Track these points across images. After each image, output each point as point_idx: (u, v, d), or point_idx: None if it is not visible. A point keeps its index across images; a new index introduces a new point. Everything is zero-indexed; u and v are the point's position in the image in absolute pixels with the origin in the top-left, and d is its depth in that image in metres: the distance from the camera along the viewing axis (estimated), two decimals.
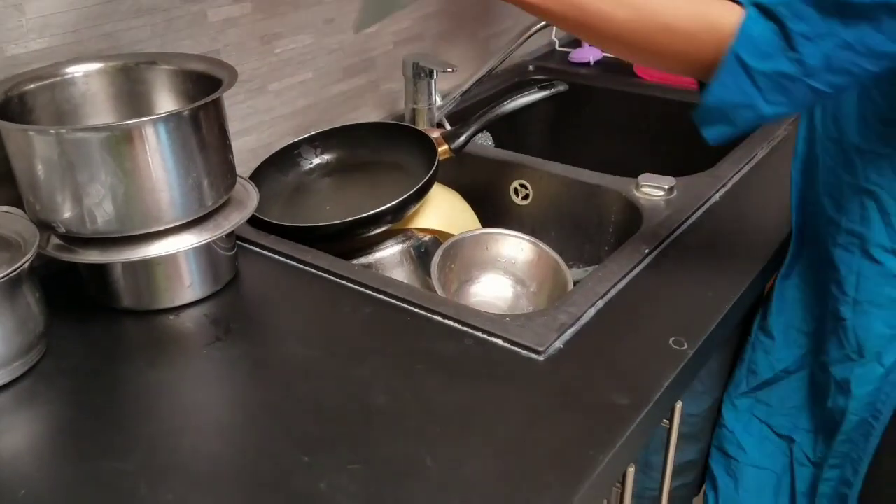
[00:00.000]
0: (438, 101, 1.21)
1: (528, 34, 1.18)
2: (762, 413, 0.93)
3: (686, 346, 0.72)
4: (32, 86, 0.79)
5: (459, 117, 1.28)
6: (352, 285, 0.82)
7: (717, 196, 1.00)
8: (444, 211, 1.05)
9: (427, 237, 1.00)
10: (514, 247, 0.99)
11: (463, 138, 1.04)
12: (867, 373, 0.79)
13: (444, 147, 1.03)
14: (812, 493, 0.88)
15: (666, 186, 0.98)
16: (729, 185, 1.02)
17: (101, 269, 0.78)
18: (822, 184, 0.83)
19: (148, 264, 0.78)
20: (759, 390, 0.93)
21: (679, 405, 0.77)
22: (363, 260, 0.95)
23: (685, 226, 0.93)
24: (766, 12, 0.63)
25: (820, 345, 0.86)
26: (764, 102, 0.66)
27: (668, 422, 0.78)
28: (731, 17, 0.65)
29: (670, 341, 0.73)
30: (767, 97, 0.66)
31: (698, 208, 0.96)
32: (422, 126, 1.20)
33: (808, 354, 0.89)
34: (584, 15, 0.70)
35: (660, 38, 0.69)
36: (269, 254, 0.88)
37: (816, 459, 0.88)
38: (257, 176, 1.00)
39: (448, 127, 1.22)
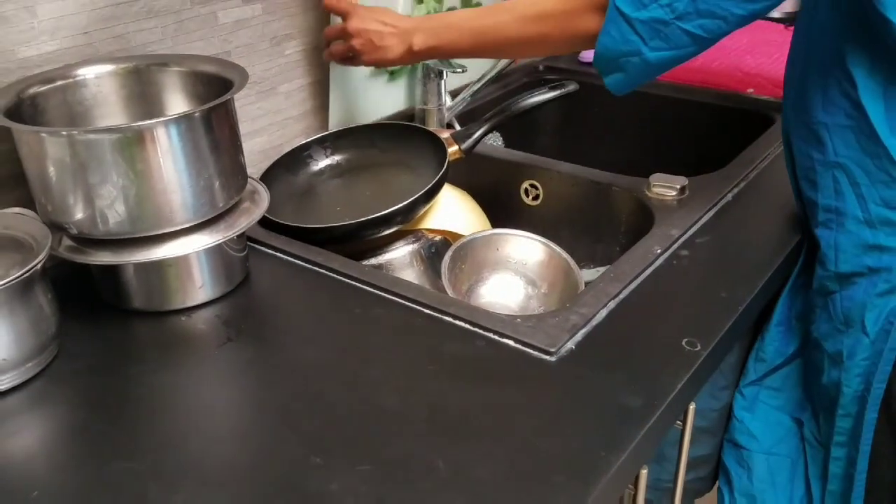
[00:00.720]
0: (448, 101, 1.21)
1: None
2: (769, 398, 0.93)
3: (699, 347, 0.71)
4: (44, 88, 0.79)
5: (469, 118, 1.27)
6: (362, 286, 0.82)
7: (730, 196, 0.99)
8: (454, 212, 1.05)
9: (437, 238, 0.99)
10: (525, 247, 0.98)
11: (473, 139, 1.03)
12: (855, 343, 0.80)
13: (455, 147, 1.03)
14: (824, 474, 0.88)
15: (678, 186, 0.98)
16: (741, 185, 1.01)
17: (113, 270, 0.79)
18: (799, 168, 0.86)
19: (159, 265, 0.78)
20: (766, 377, 0.93)
21: (692, 406, 0.76)
22: (373, 261, 0.95)
23: (697, 226, 0.92)
24: None
25: (812, 323, 0.87)
26: (647, 49, 0.76)
27: (681, 423, 0.78)
28: None
29: (683, 342, 0.72)
30: (649, 44, 0.75)
31: (710, 208, 0.95)
32: (432, 127, 1.20)
33: (806, 336, 0.90)
34: (476, 37, 0.89)
35: (543, 28, 0.84)
36: (280, 255, 0.88)
37: (824, 440, 0.88)
38: (268, 177, 1.00)
39: (458, 128, 1.22)
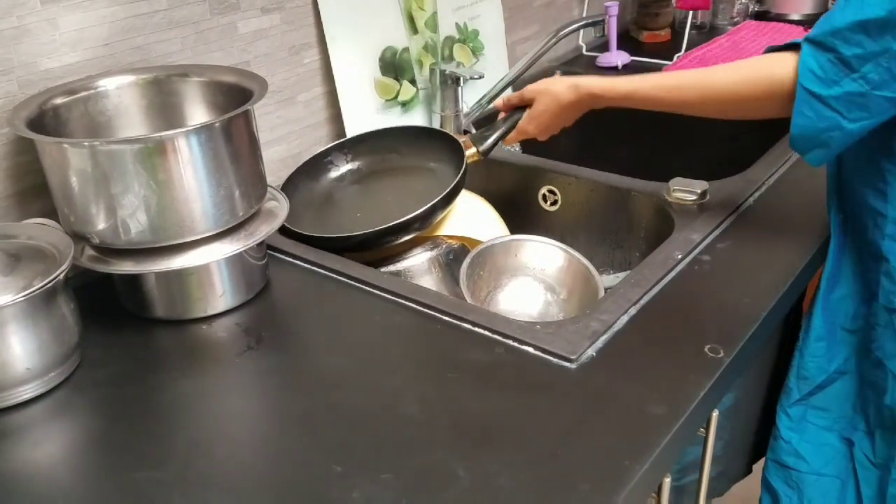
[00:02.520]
0: (465, 108, 1.21)
1: (554, 39, 1.17)
2: (817, 418, 0.91)
3: (722, 354, 0.71)
4: (66, 99, 0.80)
5: (486, 123, 1.27)
6: (381, 293, 0.82)
7: (752, 199, 0.98)
8: (472, 218, 1.04)
9: (456, 244, 0.99)
10: (544, 253, 0.98)
11: (490, 140, 1.03)
12: None
13: (472, 150, 1.03)
14: (881, 495, 0.86)
15: (698, 191, 0.97)
16: (763, 189, 1.00)
17: (135, 280, 0.79)
18: (860, 175, 0.82)
19: (181, 274, 0.78)
20: (812, 396, 0.91)
21: (715, 414, 0.76)
22: (392, 268, 0.95)
23: (718, 230, 0.91)
24: (820, 45, 0.72)
25: (870, 341, 0.84)
26: (847, 121, 0.73)
27: (704, 430, 0.77)
28: (784, 66, 0.76)
29: (706, 349, 0.71)
30: (848, 116, 0.73)
31: (732, 212, 0.94)
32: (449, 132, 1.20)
33: (858, 353, 0.87)
34: (664, 104, 0.89)
35: (733, 106, 0.83)
36: (300, 262, 0.89)
37: (879, 461, 0.86)
38: (289, 185, 1.01)
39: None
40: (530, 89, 1.00)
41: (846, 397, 0.89)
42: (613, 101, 0.94)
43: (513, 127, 1.03)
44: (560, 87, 0.97)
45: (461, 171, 0.97)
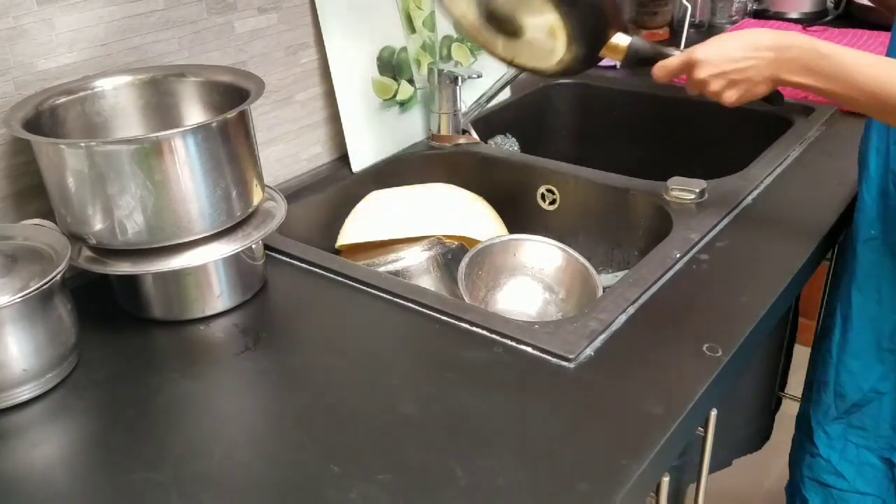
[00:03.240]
0: (464, 107, 1.21)
1: None
2: (858, 437, 0.90)
3: (720, 353, 0.71)
4: (63, 99, 0.80)
5: (485, 123, 1.27)
6: (380, 293, 0.82)
7: (750, 198, 0.98)
8: (470, 217, 1.04)
9: (454, 244, 0.99)
10: (542, 253, 0.98)
11: (648, 46, 0.86)
12: None
13: (625, 39, 0.86)
14: None
15: (696, 190, 0.97)
16: (761, 188, 1.00)
17: (132, 280, 0.79)
18: None
19: (178, 275, 0.78)
20: (850, 414, 0.90)
21: (714, 413, 0.76)
22: (390, 267, 0.94)
23: (717, 230, 0.91)
24: None
25: None
26: None
27: (702, 430, 0.77)
28: None
29: (704, 348, 0.71)
30: None
31: (730, 211, 0.94)
32: (446, 132, 1.20)
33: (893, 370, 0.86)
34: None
35: None
36: (298, 262, 0.88)
37: None
38: None
39: (473, 133, 1.21)
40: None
41: (884, 417, 0.88)
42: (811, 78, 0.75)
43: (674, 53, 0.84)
44: (770, 31, 0.78)
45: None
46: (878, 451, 0.90)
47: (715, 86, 0.80)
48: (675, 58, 0.83)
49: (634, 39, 0.86)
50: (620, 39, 0.86)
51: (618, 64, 1.51)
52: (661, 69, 0.84)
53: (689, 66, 0.81)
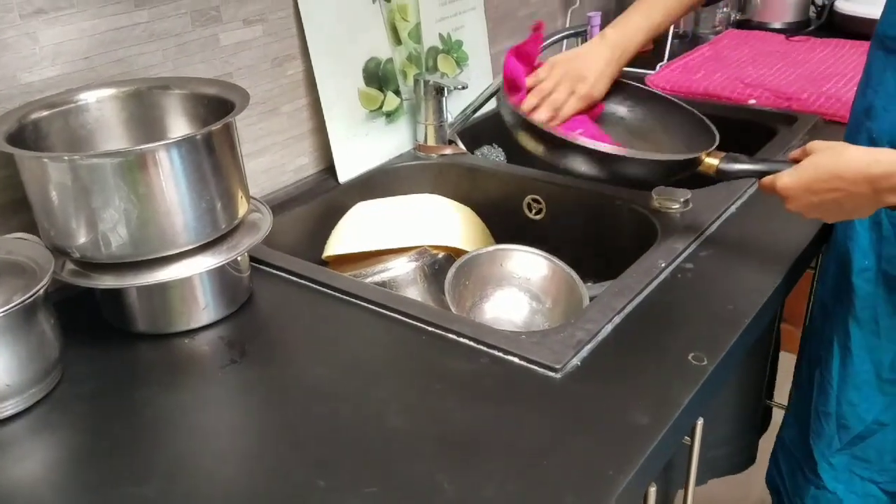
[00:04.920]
0: (449, 118, 1.21)
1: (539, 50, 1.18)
2: (862, 469, 0.90)
3: (706, 362, 0.71)
4: (46, 113, 0.80)
5: (471, 133, 1.28)
6: (366, 304, 0.82)
7: (734, 208, 0.99)
8: (457, 228, 1.05)
9: (440, 254, 0.99)
10: (529, 263, 0.98)
11: (736, 167, 0.86)
12: None
13: (714, 160, 0.86)
14: None
15: (681, 199, 0.97)
16: (745, 197, 1.01)
17: (117, 294, 0.79)
18: None
19: (163, 288, 0.78)
20: (853, 446, 0.90)
21: (700, 422, 0.76)
22: (377, 278, 0.94)
23: (701, 239, 0.92)
24: None
25: None
26: None
27: (689, 439, 0.77)
28: None
29: (690, 357, 0.72)
30: None
31: (714, 221, 0.95)
32: (432, 143, 1.20)
33: None
34: None
35: None
36: (284, 274, 0.88)
37: None
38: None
39: (460, 144, 1.22)
40: (815, 142, 0.76)
41: (887, 449, 0.88)
42: None
43: (773, 171, 0.79)
44: (855, 154, 0.71)
45: (689, 159, 0.87)
46: (884, 483, 0.89)
47: (811, 216, 0.77)
48: (766, 185, 0.80)
49: (721, 164, 0.85)
50: (710, 161, 0.86)
51: None
52: (761, 187, 0.82)
53: (780, 196, 0.78)
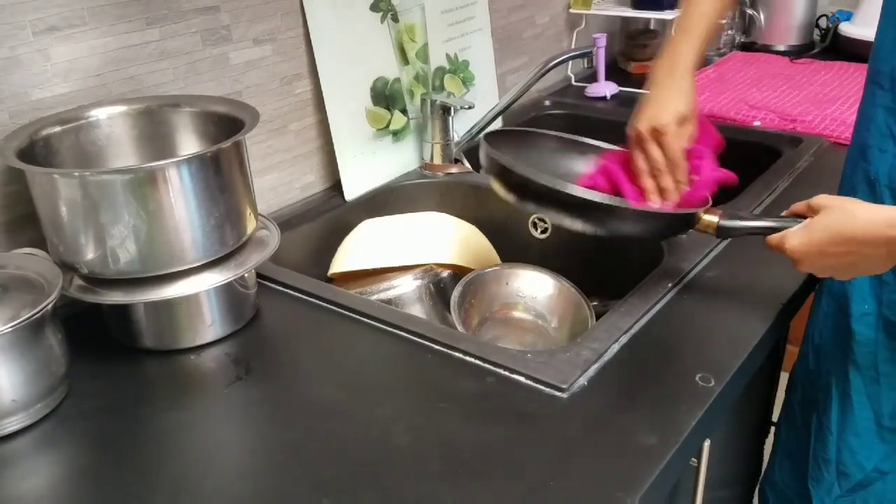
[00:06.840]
0: (456, 137, 1.22)
1: (544, 70, 1.19)
2: None
3: (713, 383, 0.71)
4: (57, 129, 0.80)
5: (477, 152, 1.28)
6: (372, 322, 0.82)
7: None
8: (462, 246, 1.05)
9: (446, 272, 0.99)
10: (535, 282, 0.98)
11: (738, 224, 0.82)
12: None
13: (713, 217, 0.81)
14: None
15: None
16: None
17: (124, 310, 0.79)
18: None
19: (170, 304, 0.78)
20: (854, 493, 0.88)
21: (707, 444, 0.75)
22: (382, 296, 0.94)
23: (707, 259, 0.92)
24: None
25: None
26: None
27: (696, 461, 0.77)
28: None
29: (697, 377, 0.71)
30: None
31: (720, 242, 0.95)
32: (438, 162, 1.20)
33: None
34: None
35: None
36: (290, 291, 0.88)
37: None
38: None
39: (466, 163, 1.22)
40: (821, 197, 0.72)
41: (888, 497, 0.86)
42: None
43: (778, 229, 0.76)
44: (868, 215, 0.68)
45: (688, 215, 0.82)
46: None
47: (823, 276, 0.76)
48: (774, 244, 0.76)
49: (722, 221, 0.81)
50: (709, 218, 0.81)
51: (608, 95, 1.53)
52: (768, 245, 0.78)
53: (789, 257, 0.75)
